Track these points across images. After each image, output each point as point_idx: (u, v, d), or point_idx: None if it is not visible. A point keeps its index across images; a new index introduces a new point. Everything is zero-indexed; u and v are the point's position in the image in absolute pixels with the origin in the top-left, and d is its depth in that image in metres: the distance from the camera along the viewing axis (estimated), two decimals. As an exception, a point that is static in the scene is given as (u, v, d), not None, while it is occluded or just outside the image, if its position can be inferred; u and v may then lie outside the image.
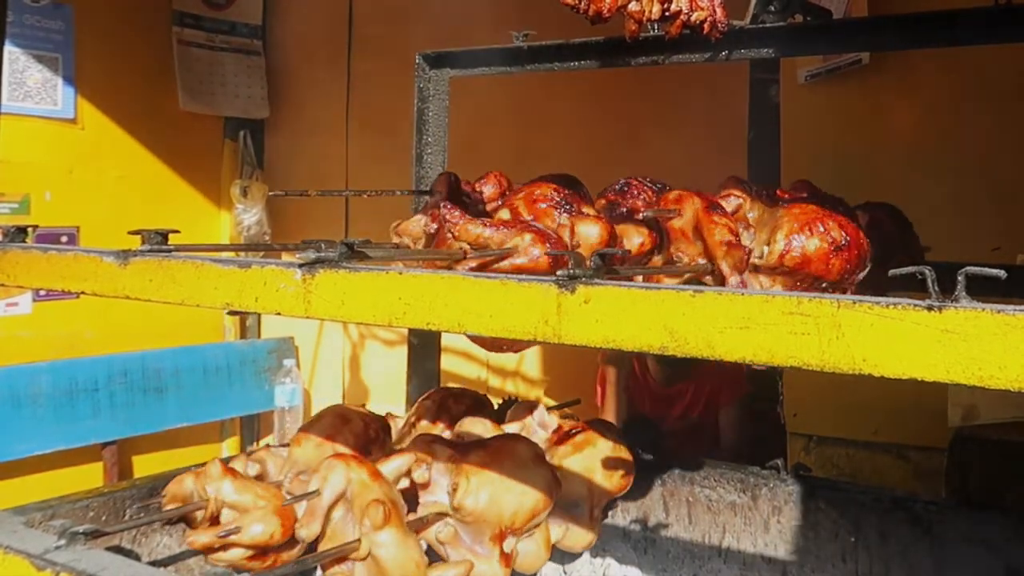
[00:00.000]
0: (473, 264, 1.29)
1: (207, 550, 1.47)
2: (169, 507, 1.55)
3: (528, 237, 1.29)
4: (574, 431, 1.74)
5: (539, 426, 1.75)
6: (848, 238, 1.37)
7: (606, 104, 3.76)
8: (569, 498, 1.68)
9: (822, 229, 1.35)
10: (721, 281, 1.35)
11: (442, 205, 1.39)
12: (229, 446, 4.33)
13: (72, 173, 3.78)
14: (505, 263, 1.29)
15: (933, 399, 2.90)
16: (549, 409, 1.82)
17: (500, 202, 1.64)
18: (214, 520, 1.51)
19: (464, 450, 1.51)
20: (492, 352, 1.39)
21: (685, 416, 3.39)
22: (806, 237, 1.34)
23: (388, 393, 3.80)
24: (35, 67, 3.62)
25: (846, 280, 1.39)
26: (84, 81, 3.77)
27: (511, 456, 1.51)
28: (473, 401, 1.89)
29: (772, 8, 1.68)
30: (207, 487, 1.50)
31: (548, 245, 1.29)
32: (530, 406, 1.81)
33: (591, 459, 1.71)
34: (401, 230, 1.62)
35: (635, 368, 3.47)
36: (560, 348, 1.77)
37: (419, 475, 1.48)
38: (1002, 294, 0.87)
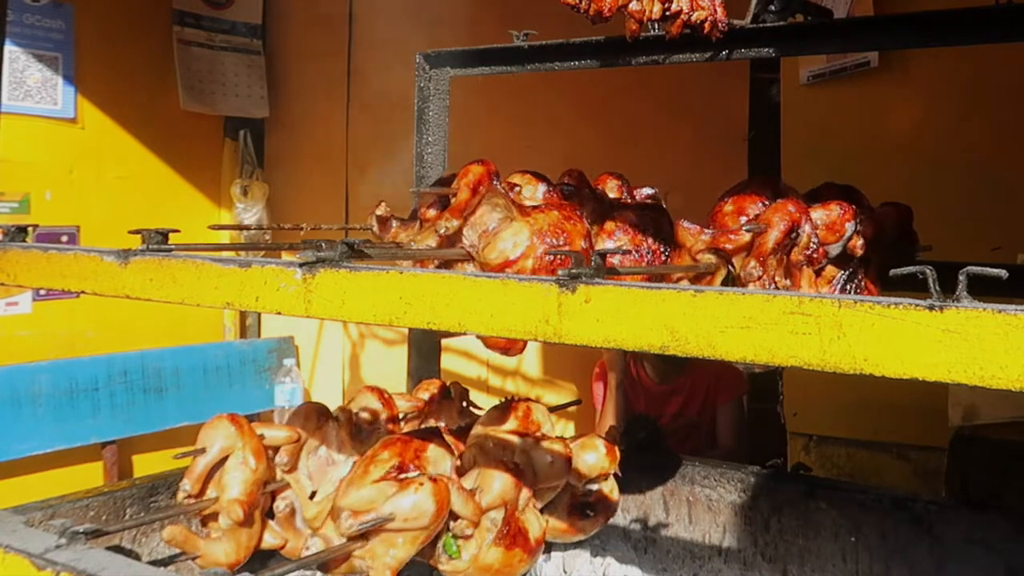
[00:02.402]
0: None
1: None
2: (199, 451, 1.63)
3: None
4: (588, 509, 1.66)
5: (592, 467, 1.64)
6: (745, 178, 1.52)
7: (606, 104, 3.76)
8: None
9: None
10: (727, 263, 1.36)
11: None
12: (229, 446, 4.32)
13: (72, 173, 3.78)
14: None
15: (933, 399, 2.90)
16: (551, 409, 1.79)
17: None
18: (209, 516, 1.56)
19: (507, 525, 1.46)
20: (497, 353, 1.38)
21: (681, 414, 3.39)
22: (727, 199, 1.46)
23: (388, 393, 3.79)
24: (35, 66, 3.62)
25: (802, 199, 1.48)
26: (84, 81, 3.77)
27: (515, 569, 1.49)
28: None
29: (772, 8, 1.68)
30: (220, 505, 1.52)
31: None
32: (609, 463, 1.65)
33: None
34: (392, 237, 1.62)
35: (629, 366, 3.46)
36: (560, 348, 1.76)
37: (463, 528, 1.43)
38: (1003, 294, 0.87)
